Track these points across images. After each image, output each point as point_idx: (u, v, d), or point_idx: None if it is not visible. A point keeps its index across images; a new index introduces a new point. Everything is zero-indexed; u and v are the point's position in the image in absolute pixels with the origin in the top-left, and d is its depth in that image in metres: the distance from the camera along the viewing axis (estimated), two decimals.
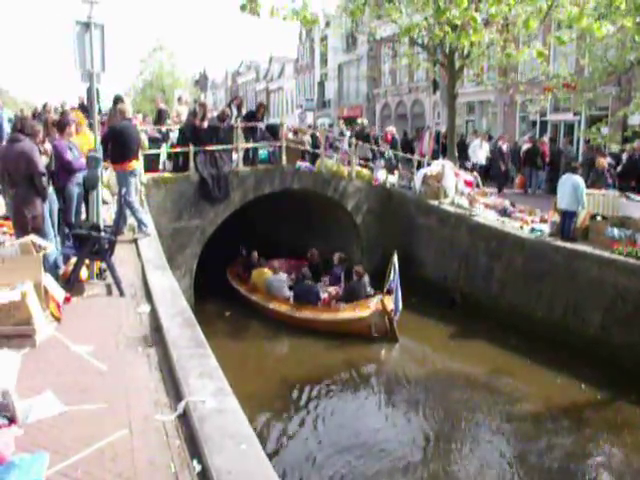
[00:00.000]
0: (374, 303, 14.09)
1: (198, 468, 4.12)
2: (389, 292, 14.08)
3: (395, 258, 13.82)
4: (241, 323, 15.47)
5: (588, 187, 14.75)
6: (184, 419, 4.75)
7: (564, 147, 22.88)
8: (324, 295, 15.42)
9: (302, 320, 14.60)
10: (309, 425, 10.81)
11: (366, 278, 15.34)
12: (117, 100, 14.70)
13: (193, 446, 4.38)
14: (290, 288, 15.95)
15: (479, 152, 22.30)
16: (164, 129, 17.30)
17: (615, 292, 12.74)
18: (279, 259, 18.15)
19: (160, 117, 18.14)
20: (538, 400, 11.54)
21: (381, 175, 19.60)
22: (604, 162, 17.02)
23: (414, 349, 14.31)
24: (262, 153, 18.19)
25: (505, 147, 22.72)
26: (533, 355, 12.99)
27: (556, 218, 14.93)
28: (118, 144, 10.58)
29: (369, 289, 15.20)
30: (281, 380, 12.13)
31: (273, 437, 10.21)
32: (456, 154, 21.32)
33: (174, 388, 5.28)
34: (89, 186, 9.37)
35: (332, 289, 15.86)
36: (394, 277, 13.81)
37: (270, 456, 8.80)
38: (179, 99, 20.90)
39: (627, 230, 13.70)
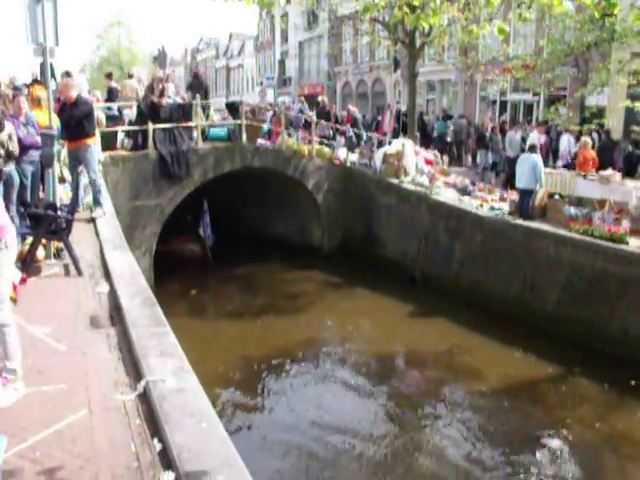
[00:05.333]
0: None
1: (159, 447, 4.10)
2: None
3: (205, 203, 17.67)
4: (204, 302, 15.42)
5: None
6: (144, 398, 4.71)
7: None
8: None
9: None
10: (271, 403, 10.85)
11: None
12: (65, 76, 14.36)
13: (153, 425, 4.35)
14: None
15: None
16: (115, 107, 16.90)
17: (571, 269, 12.99)
18: None
19: (111, 95, 17.76)
20: (497, 376, 11.73)
21: (342, 154, 19.58)
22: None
23: (375, 326, 14.40)
24: (221, 131, 18.01)
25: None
26: (492, 331, 13.19)
27: (515, 197, 15.13)
28: (71, 120, 10.31)
29: None
30: (243, 358, 12.11)
31: (234, 415, 10.21)
32: (416, 133, 21.39)
33: (134, 368, 5.24)
34: (45, 164, 9.17)
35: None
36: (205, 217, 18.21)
37: (231, 434, 8.82)
38: (129, 74, 20.41)
39: (583, 209, 13.95)
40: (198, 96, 17.24)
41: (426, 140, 23.37)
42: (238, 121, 17.86)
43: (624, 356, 11.74)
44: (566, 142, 18.71)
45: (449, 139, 22.48)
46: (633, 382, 11.10)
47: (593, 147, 16.95)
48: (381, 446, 9.47)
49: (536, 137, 18.34)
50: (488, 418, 10.37)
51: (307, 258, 18.26)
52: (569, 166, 17.18)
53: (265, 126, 19.56)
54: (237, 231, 19.57)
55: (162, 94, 16.11)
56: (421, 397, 11.11)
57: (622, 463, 9.27)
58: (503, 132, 20.61)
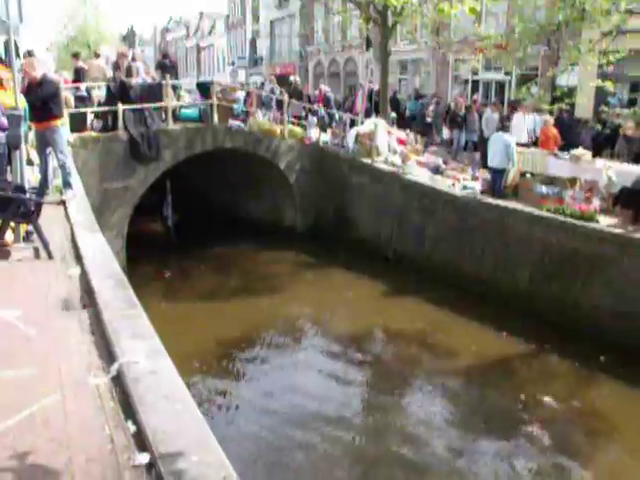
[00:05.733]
0: None
1: (133, 429, 4.07)
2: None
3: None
4: (177, 284, 15.33)
5: None
6: (118, 381, 4.66)
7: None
8: None
9: None
10: (246, 383, 10.87)
11: None
12: (28, 55, 14.03)
13: (127, 407, 4.31)
14: None
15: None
16: (83, 87, 16.59)
17: (543, 248, 13.12)
18: None
19: (78, 76, 17.44)
20: (471, 353, 11.85)
21: (314, 134, 19.51)
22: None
23: (349, 306, 14.44)
24: (193, 112, 17.84)
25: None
26: (465, 309, 13.31)
27: (487, 176, 15.22)
28: (37, 101, 10.09)
29: None
30: (217, 339, 12.09)
31: (209, 396, 10.20)
32: (389, 112, 21.35)
33: (107, 350, 5.18)
34: (11, 146, 8.99)
35: None
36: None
37: (206, 415, 8.81)
38: (95, 54, 19.99)
39: (555, 187, 14.12)
40: (168, 76, 17.03)
41: (404, 120, 23.25)
42: (209, 101, 17.70)
43: (594, 332, 11.94)
44: (531, 121, 18.80)
45: (429, 119, 22.26)
46: (602, 358, 11.31)
47: (560, 126, 17.09)
48: (356, 425, 9.54)
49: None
50: (462, 395, 10.50)
51: (280, 238, 18.22)
52: (530, 145, 17.24)
53: (237, 106, 19.40)
54: (210, 212, 19.47)
55: (130, 73, 15.88)
56: (396, 375, 11.19)
57: (592, 437, 9.46)
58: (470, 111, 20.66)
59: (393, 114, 22.45)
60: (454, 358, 11.69)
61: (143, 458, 3.78)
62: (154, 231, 19.41)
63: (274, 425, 9.36)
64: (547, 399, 10.25)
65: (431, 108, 22.23)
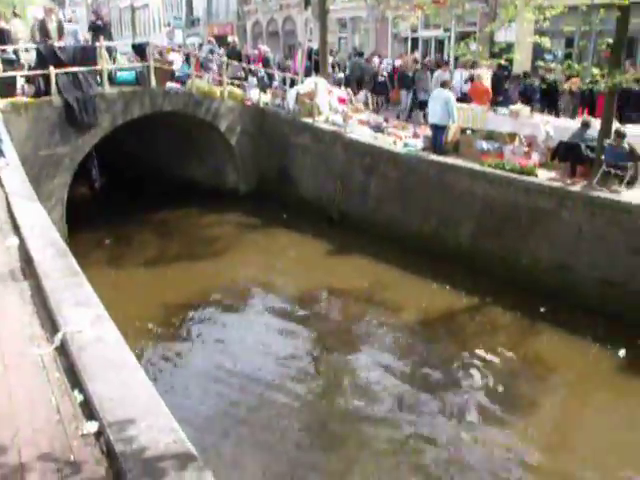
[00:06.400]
0: None
1: (80, 398, 4.03)
2: None
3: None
4: (120, 250, 15.08)
5: None
6: (62, 350, 4.60)
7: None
8: None
9: None
10: (194, 347, 10.84)
11: None
12: None
13: (73, 377, 4.26)
14: None
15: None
16: (10, 49, 15.90)
17: (484, 203, 13.33)
18: None
19: (2, 37, 16.66)
20: (416, 309, 12.05)
21: (254, 95, 19.26)
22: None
23: (294, 266, 14.48)
24: (129, 75, 17.37)
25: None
26: (410, 266, 13.48)
27: (428, 133, 15.32)
28: None
29: None
30: (163, 305, 11.98)
31: (157, 362, 10.16)
32: (329, 70, 21.19)
33: (49, 320, 5.09)
34: None
35: None
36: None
37: (154, 381, 8.78)
38: (14, 13, 19.09)
39: (495, 143, 14.30)
40: (102, 38, 16.51)
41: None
42: (146, 64, 17.26)
43: (535, 285, 12.28)
44: (458, 77, 18.94)
45: (381, 78, 21.98)
46: (543, 309, 11.65)
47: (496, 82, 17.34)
48: (305, 385, 9.63)
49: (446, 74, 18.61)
50: (409, 350, 10.68)
51: (223, 201, 18.07)
52: (461, 100, 17.37)
53: (178, 68, 18.97)
54: (152, 177, 19.15)
55: (61, 34, 15.30)
56: (343, 334, 11.31)
57: (535, 385, 9.76)
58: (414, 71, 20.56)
59: (340, 74, 22.24)
60: (400, 314, 11.87)
61: (91, 427, 3.75)
62: (94, 198, 19.02)
63: (224, 388, 9.38)
64: (491, 350, 10.52)
65: (382, 66, 21.97)
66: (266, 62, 21.63)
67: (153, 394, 3.96)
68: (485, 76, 17.18)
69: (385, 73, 21.44)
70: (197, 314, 11.95)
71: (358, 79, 22.05)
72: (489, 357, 10.30)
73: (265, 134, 18.77)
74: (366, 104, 19.83)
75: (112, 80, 16.71)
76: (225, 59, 19.08)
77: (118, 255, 14.77)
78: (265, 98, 19.41)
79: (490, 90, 16.75)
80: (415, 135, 16.31)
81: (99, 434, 3.70)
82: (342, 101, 18.59)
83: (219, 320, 11.95)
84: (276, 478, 7.66)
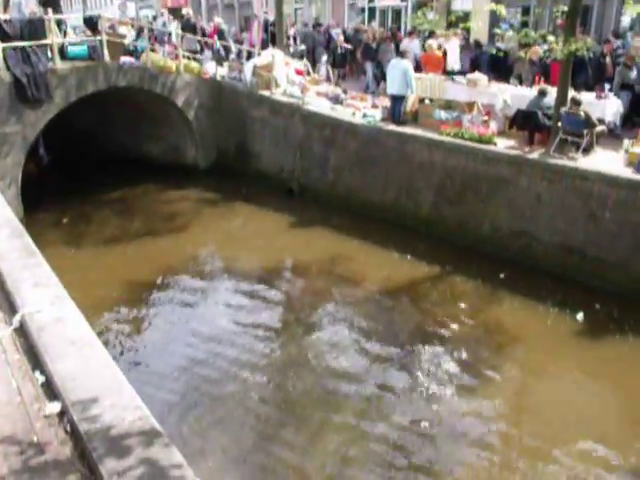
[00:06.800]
0: None
1: (41, 379, 3.97)
2: None
3: None
4: (79, 229, 14.81)
5: None
6: (22, 332, 4.52)
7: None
8: None
9: None
10: (156, 324, 10.74)
11: None
12: None
13: (34, 358, 4.19)
14: None
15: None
16: None
17: (444, 172, 13.41)
18: None
19: None
20: (379, 279, 12.10)
21: (211, 68, 18.99)
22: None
23: (256, 240, 14.39)
24: (81, 49, 16.94)
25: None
26: (371, 237, 13.54)
27: (387, 103, 15.30)
28: None
29: None
30: (124, 283, 11.84)
31: (119, 340, 10.04)
32: (285, 42, 20.95)
33: (7, 302, 4.99)
34: None
35: None
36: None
37: (117, 359, 8.73)
38: None
39: (453, 112, 14.35)
40: (50, 10, 16.05)
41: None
42: (98, 38, 16.86)
43: (495, 252, 12.49)
44: (412, 45, 18.93)
45: (341, 50, 21.67)
46: (502, 275, 11.83)
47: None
48: (269, 358, 9.64)
49: (407, 43, 18.57)
50: (373, 320, 10.74)
51: (183, 177, 17.90)
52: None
53: (133, 42, 18.58)
54: (109, 154, 18.82)
55: (5, 6, 14.82)
56: (307, 306, 11.32)
57: (497, 350, 9.92)
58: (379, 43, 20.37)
59: (302, 46, 21.99)
60: (363, 283, 11.92)
61: (54, 407, 3.70)
62: (52, 177, 18.65)
63: (189, 363, 9.34)
64: (454, 317, 10.67)
65: (341, 38, 21.67)
66: (220, 34, 21.30)
67: (116, 372, 3.93)
68: (452, 45, 17.30)
69: (344, 45, 21.19)
70: (159, 291, 11.85)
71: (310, 50, 21.79)
72: (452, 324, 10.43)
73: (223, 108, 18.56)
74: (328, 79, 19.63)
75: (63, 55, 16.28)
76: (180, 32, 18.73)
77: (77, 234, 14.53)
78: (222, 71, 19.16)
79: (443, 60, 16.82)
80: (374, 106, 16.28)
81: (62, 414, 3.66)
82: (299, 73, 18.43)
83: (181, 296, 11.85)
84: (242, 452, 7.67)
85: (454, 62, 17.55)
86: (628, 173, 11.39)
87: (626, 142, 12.58)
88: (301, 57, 20.42)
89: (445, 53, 17.84)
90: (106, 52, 16.73)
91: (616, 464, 7.56)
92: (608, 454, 7.70)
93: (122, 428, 3.37)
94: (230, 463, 7.46)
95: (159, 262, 12.87)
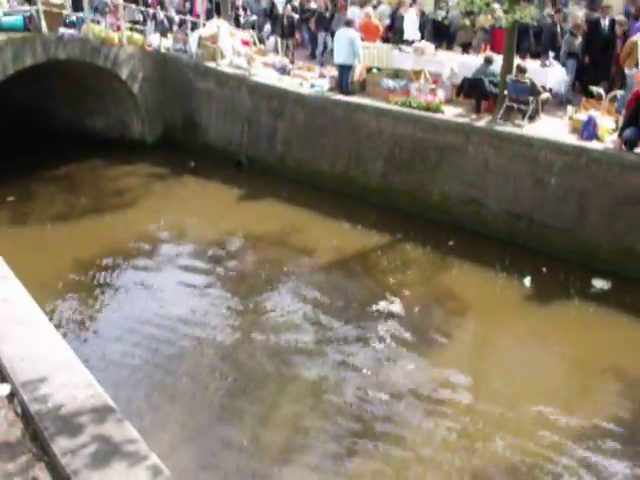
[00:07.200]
0: None
1: None
2: None
3: None
4: (24, 208, 14.37)
5: None
6: None
7: None
8: None
9: None
10: (107, 302, 10.59)
11: None
12: None
13: None
14: None
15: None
16: None
17: (393, 141, 13.46)
18: None
19: None
20: (330, 249, 12.14)
21: (154, 39, 18.59)
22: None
23: (206, 214, 14.25)
24: (16, 20, 16.36)
25: None
26: (322, 208, 13.55)
27: (334, 73, 15.23)
28: None
29: None
30: (74, 261, 11.57)
31: (69, 319, 9.85)
32: (233, 13, 20.66)
33: None
34: None
35: None
36: None
37: (67, 338, 8.59)
38: None
39: (401, 81, 14.37)
40: None
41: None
42: (34, 7, 16.31)
43: (444, 220, 12.67)
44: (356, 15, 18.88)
45: (287, 20, 21.23)
46: (452, 242, 12.02)
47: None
48: (224, 330, 9.60)
49: (357, 12, 18.49)
50: (326, 290, 10.78)
51: (130, 152, 17.53)
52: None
53: (65, 12, 18.03)
54: (52, 130, 18.33)
55: None
56: (259, 279, 11.28)
57: (448, 316, 10.11)
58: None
59: (253, 17, 21.65)
60: (314, 254, 11.95)
61: (3, 390, 3.63)
62: None
63: (142, 339, 9.23)
64: (405, 285, 10.80)
65: (289, 7, 21.33)
66: (161, 4, 20.84)
67: (66, 351, 3.87)
68: (410, 15, 17.34)
69: (291, 14, 20.84)
70: (109, 268, 11.65)
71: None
72: (404, 292, 10.56)
73: (169, 81, 18.21)
74: (277, 49, 19.37)
75: None
76: (121, 2, 18.26)
77: (22, 212, 14.14)
78: (166, 43, 18.76)
79: (380, 27, 16.86)
80: (321, 76, 16.17)
81: (12, 396, 3.59)
82: (246, 44, 18.19)
83: (132, 273, 11.69)
84: (198, 425, 7.66)
85: (413, 33, 17.48)
86: (572, 139, 11.63)
87: (570, 109, 12.81)
88: (253, 27, 20.16)
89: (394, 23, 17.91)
90: (43, 23, 16.20)
91: (569, 423, 7.80)
92: (560, 414, 7.94)
93: (74, 407, 3.33)
94: (186, 436, 7.44)
95: (108, 239, 12.65)
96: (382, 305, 10.15)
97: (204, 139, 17.43)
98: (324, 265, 11.62)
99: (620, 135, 11.11)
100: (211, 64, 17.08)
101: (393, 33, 18.32)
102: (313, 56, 19.64)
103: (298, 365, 8.78)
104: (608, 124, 11.81)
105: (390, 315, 9.96)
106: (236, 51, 17.55)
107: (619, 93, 12.98)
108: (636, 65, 13.00)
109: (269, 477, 6.93)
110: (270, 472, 6.99)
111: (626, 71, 13.34)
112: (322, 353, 9.04)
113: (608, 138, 11.53)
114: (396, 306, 10.12)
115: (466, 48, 16.61)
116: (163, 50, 18.34)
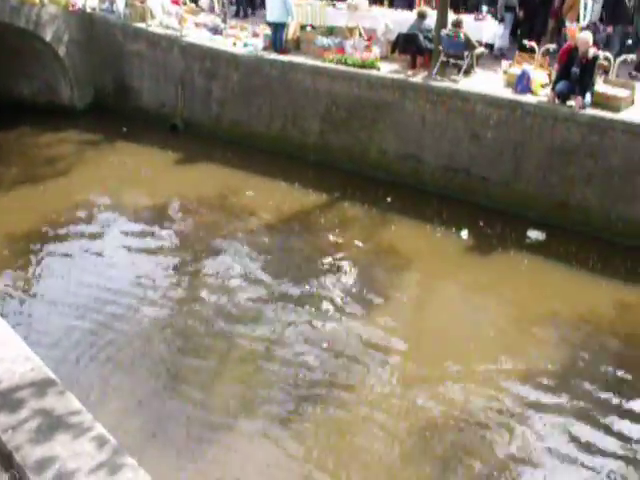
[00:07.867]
0: None
1: None
2: None
3: None
4: None
5: None
6: None
7: None
8: None
9: None
10: (45, 274, 10.34)
11: None
12: None
13: None
14: None
15: None
16: None
17: (330, 99, 13.38)
18: None
19: None
20: (269, 210, 12.08)
21: None
22: None
23: (142, 179, 13.98)
24: None
25: None
26: (259, 169, 13.48)
27: (268, 31, 14.98)
28: None
29: None
30: (6, 236, 11.20)
31: (6, 293, 9.58)
32: None
33: None
34: None
35: None
36: None
37: (6, 313, 8.41)
38: None
39: (335, 38, 14.25)
40: None
41: None
42: None
43: (382, 177, 12.77)
44: None
45: None
46: (389, 199, 12.13)
47: None
48: (166, 298, 9.49)
49: None
50: (267, 251, 10.78)
51: (60, 119, 16.97)
52: None
53: None
54: None
55: None
56: (199, 243, 11.16)
57: (390, 272, 10.22)
58: None
59: None
60: (254, 216, 11.89)
61: None
62: None
63: (83, 311, 9.03)
64: (345, 243, 10.88)
65: None
66: None
67: (2, 325, 3.74)
68: None
69: None
70: (44, 239, 11.32)
71: None
72: (344, 250, 10.65)
73: (97, 43, 17.60)
74: (212, 9, 18.89)
75: None
76: None
77: None
78: (92, 3, 18.08)
79: None
80: (255, 35, 15.89)
81: None
82: (176, 2, 17.70)
83: (69, 243, 11.40)
84: (144, 393, 7.60)
85: None
86: (507, 93, 11.77)
87: (504, 63, 12.93)
88: None
89: None
90: None
91: (512, 366, 8.06)
92: (503, 359, 8.18)
93: (13, 381, 3.24)
94: (132, 405, 7.38)
95: (42, 209, 12.25)
96: (323, 263, 10.20)
97: (137, 103, 17.00)
98: (264, 225, 11.57)
99: (553, 89, 11.30)
100: (141, 25, 16.57)
101: None
102: (237, 14, 19.27)
103: (242, 327, 8.76)
104: (541, 78, 11.97)
105: (332, 272, 10.02)
106: (166, 10, 17.05)
107: (552, 47, 13.16)
108: (577, 19, 13.21)
109: (217, 442, 6.94)
110: (218, 437, 6.99)
111: (567, 24, 13.52)
112: (266, 314, 9.04)
113: (541, 92, 11.70)
114: (337, 264, 10.18)
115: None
116: (89, 10, 17.66)
